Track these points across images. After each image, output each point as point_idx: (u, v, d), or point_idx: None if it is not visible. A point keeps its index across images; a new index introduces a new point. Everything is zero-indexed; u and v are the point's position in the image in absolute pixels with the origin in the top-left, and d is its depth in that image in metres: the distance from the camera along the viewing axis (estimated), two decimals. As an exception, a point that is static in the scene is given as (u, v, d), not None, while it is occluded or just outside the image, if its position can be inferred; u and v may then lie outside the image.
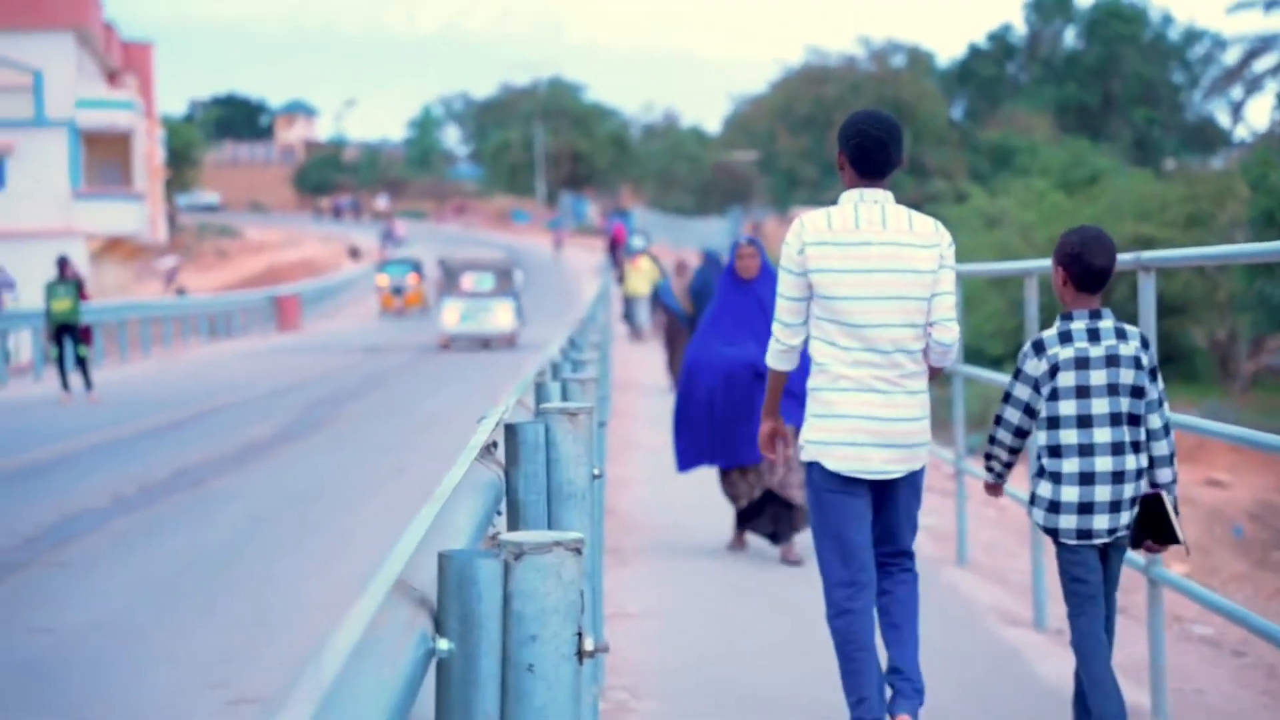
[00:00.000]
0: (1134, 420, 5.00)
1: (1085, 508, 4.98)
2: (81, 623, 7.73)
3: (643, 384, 21.45)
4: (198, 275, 61.71)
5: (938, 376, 5.30)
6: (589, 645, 2.71)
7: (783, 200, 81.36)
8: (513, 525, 4.21)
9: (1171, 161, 73.27)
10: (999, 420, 5.19)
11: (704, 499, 10.83)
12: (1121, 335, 5.04)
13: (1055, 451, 5.02)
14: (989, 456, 5.33)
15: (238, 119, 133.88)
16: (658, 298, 33.87)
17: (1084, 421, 4.98)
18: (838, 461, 5.06)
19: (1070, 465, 4.98)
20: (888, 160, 5.19)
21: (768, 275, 8.69)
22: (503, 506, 4.12)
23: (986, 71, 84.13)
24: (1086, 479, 4.97)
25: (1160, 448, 5.06)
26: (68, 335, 21.12)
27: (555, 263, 63.23)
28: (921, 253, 5.07)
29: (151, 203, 50.81)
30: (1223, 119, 70.57)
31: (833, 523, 5.11)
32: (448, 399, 19.86)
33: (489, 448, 4.08)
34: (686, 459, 9.11)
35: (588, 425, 4.29)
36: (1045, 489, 5.05)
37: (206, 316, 37.97)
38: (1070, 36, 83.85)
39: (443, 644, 2.57)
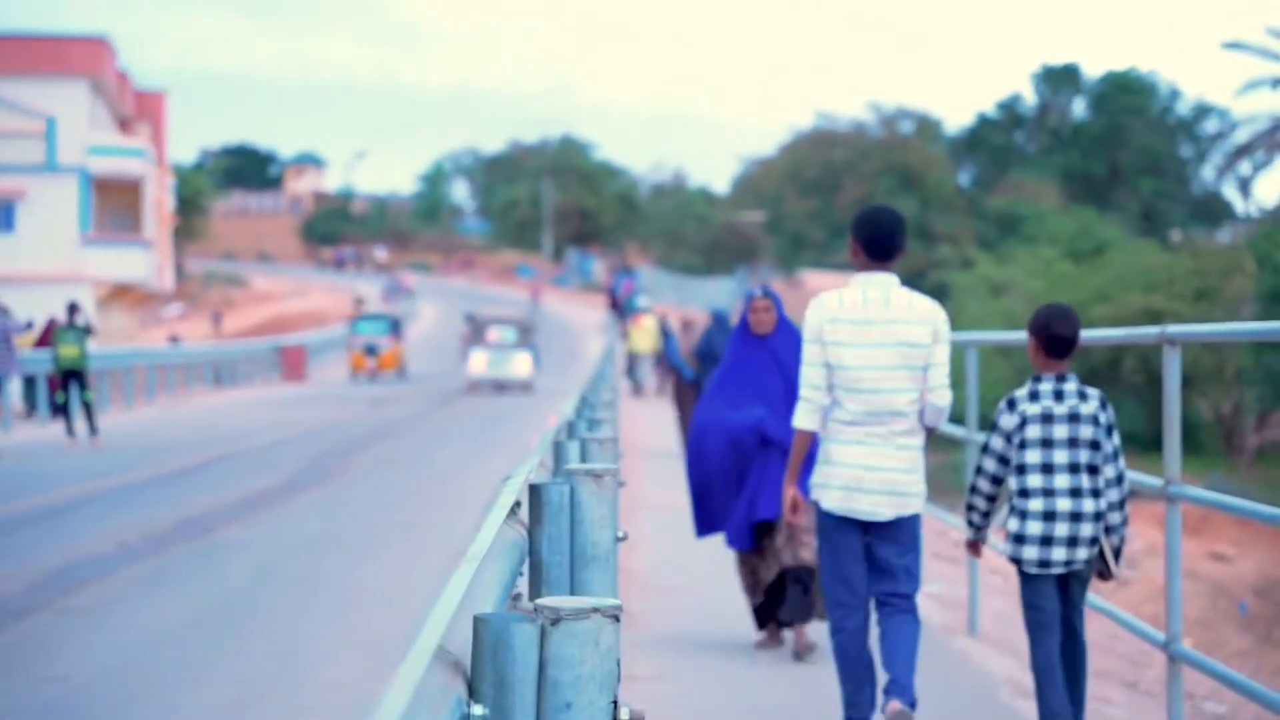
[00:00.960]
0: (1092, 470, 5.85)
1: (1045, 541, 5.85)
2: (93, 671, 7.69)
3: (648, 441, 21.40)
4: (204, 324, 61.79)
5: (933, 435, 6.18)
6: (624, 714, 2.68)
7: (790, 261, 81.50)
8: (535, 586, 4.18)
9: (1178, 233, 73.42)
10: (978, 470, 6.08)
11: (715, 558, 10.78)
12: (1083, 396, 5.93)
13: (1023, 493, 5.92)
14: (969, 508, 6.21)
15: (247, 168, 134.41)
16: (663, 358, 34.11)
17: (1047, 469, 5.88)
18: (833, 502, 6.02)
19: (1035, 504, 5.86)
20: (895, 247, 6.06)
21: (786, 330, 8.21)
22: (524, 567, 4.09)
23: (995, 140, 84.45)
24: (1048, 517, 5.84)
25: (1113, 494, 5.88)
26: (74, 381, 21.13)
27: (544, 315, 63.43)
28: (919, 329, 5.99)
29: (160, 250, 50.93)
30: (1230, 194, 70.76)
31: (831, 554, 6.09)
32: (456, 453, 19.82)
33: (513, 508, 4.06)
34: (705, 525, 8.49)
35: (612, 486, 4.27)
36: (1013, 524, 5.94)
37: (211, 365, 37.98)
38: (1079, 108, 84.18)
39: (477, 709, 2.54)
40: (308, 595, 9.96)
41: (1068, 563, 5.83)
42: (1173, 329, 5.90)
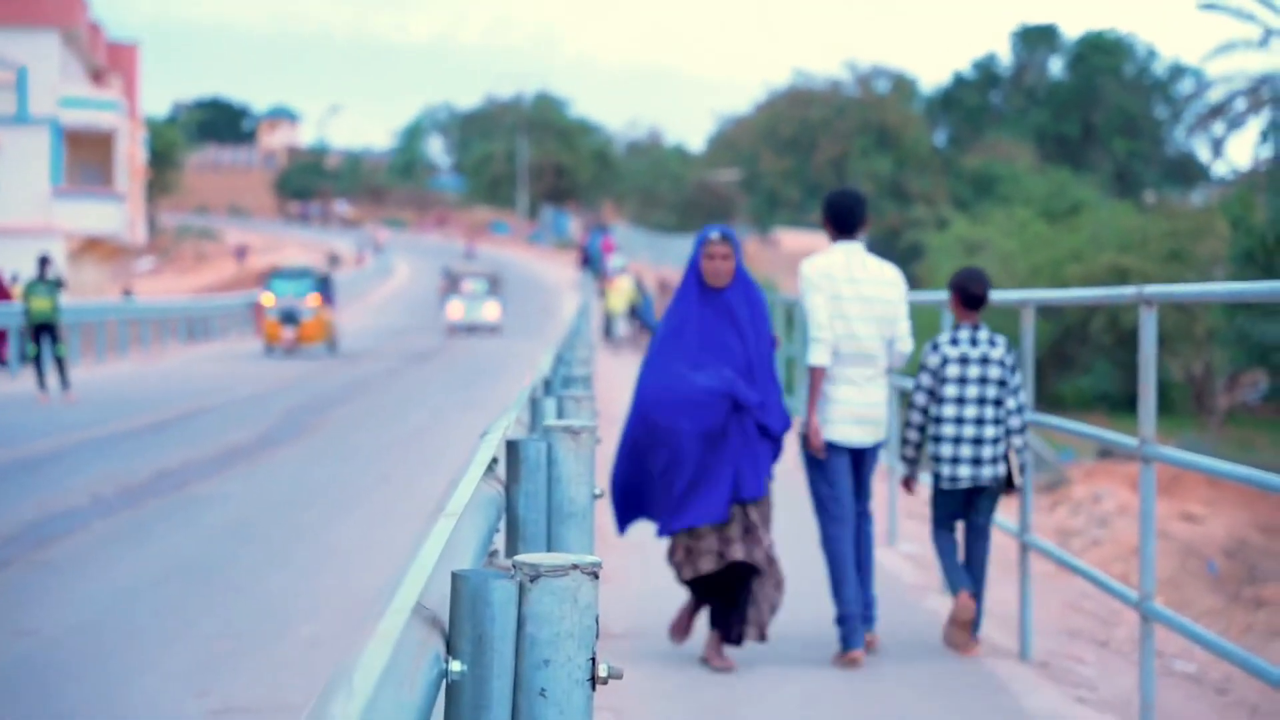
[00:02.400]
0: (997, 403, 7.14)
1: (954, 460, 7.17)
2: (66, 625, 7.68)
3: (624, 399, 21.40)
4: (176, 278, 61.54)
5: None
6: (603, 671, 2.68)
7: (765, 220, 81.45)
8: (512, 543, 4.18)
9: (1152, 194, 73.53)
10: (910, 405, 7.25)
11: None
12: (993, 343, 7.25)
13: (938, 421, 7.21)
14: (904, 442, 7.44)
15: (221, 122, 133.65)
16: (635, 314, 34.23)
17: (960, 401, 7.16)
18: (835, 434, 7.21)
19: (947, 430, 7.18)
20: (858, 222, 7.29)
21: (745, 284, 7.03)
22: (500, 524, 4.09)
23: (970, 99, 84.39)
24: (957, 441, 7.16)
25: (1014, 421, 7.21)
26: (46, 335, 21.03)
27: (479, 262, 64.10)
28: (890, 289, 7.26)
29: (132, 204, 50.64)
30: (1204, 155, 70.86)
31: (827, 478, 7.22)
32: (431, 408, 19.81)
33: (490, 464, 4.05)
34: (628, 513, 7.12)
35: (589, 443, 4.26)
36: (930, 448, 7.23)
37: (185, 320, 37.83)
38: (1055, 68, 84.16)
39: (455, 665, 2.53)
40: (283, 550, 9.96)
41: (974, 478, 7.15)
42: (1150, 289, 5.91)
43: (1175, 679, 7.89)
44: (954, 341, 7.26)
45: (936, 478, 7.27)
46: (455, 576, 2.58)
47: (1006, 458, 7.19)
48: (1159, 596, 12.89)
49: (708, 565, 6.82)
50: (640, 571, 9.26)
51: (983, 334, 7.25)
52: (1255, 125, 40.96)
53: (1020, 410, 7.23)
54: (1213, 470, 5.55)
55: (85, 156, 46.17)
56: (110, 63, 51.18)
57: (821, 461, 7.18)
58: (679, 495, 6.82)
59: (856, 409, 7.16)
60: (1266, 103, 38.62)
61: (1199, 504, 23.67)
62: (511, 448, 4.14)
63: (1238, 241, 34.58)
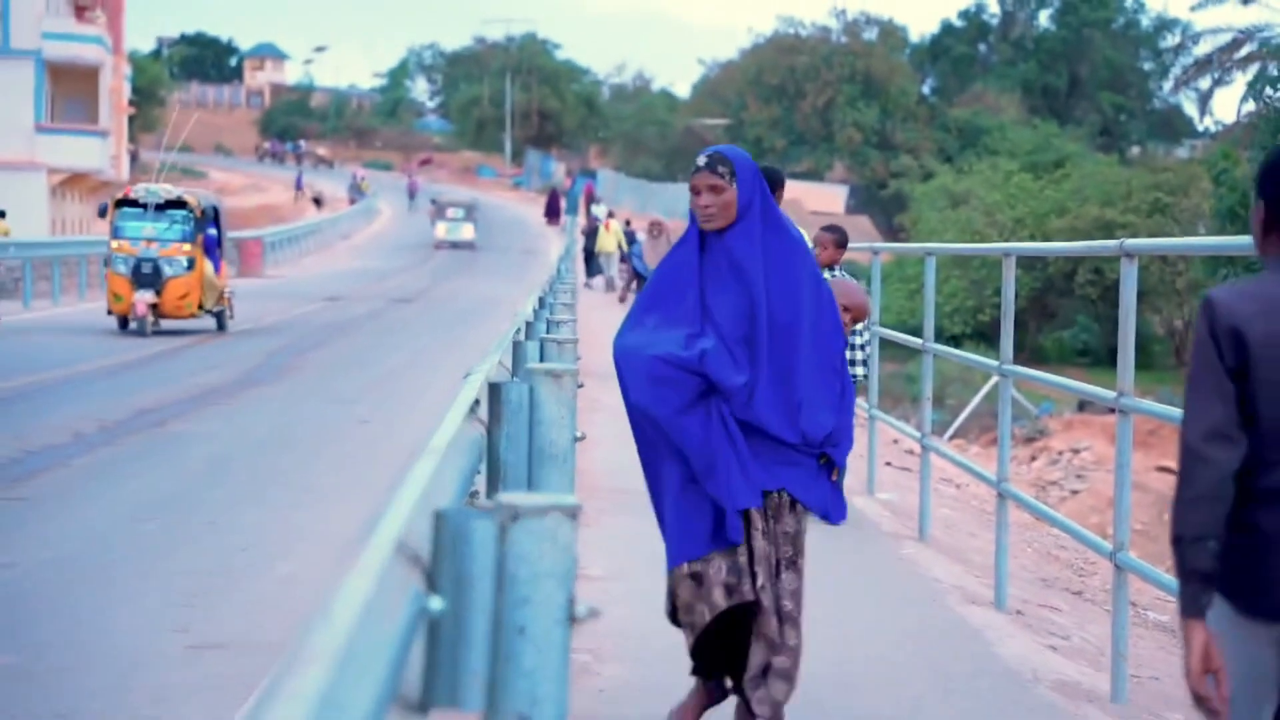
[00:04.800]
0: None
1: None
2: (44, 559, 7.70)
3: (606, 342, 21.44)
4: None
5: None
6: (581, 611, 2.71)
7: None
8: (493, 485, 4.20)
9: (1137, 149, 73.53)
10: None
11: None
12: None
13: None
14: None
15: (206, 59, 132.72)
16: (625, 259, 34.32)
17: None
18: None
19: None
20: (774, 191, 7.26)
21: (759, 225, 5.01)
22: (482, 465, 4.11)
23: (958, 49, 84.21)
24: None
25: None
26: None
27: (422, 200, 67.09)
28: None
29: (115, 139, 50.39)
30: (1190, 109, 70.82)
31: None
32: (411, 350, 19.81)
33: (473, 406, 4.07)
34: (679, 541, 4.96)
35: (571, 387, 4.28)
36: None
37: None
38: (1043, 19, 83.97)
39: (435, 602, 2.56)
40: (262, 489, 9.98)
41: None
42: (1131, 243, 5.93)
43: (1147, 629, 7.96)
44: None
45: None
46: (437, 515, 2.60)
47: None
48: (1134, 548, 13.00)
49: (705, 616, 4.89)
50: (620, 516, 9.30)
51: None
52: (1242, 80, 40.94)
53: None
54: (1168, 417, 5.60)
55: (69, 91, 45.85)
56: (94, -3, 50.77)
57: None
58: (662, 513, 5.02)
59: None
60: (1255, 58, 38.58)
61: (1175, 458, 23.81)
62: (494, 390, 4.15)
63: (1221, 197, 34.63)
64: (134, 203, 21.74)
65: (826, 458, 4.94)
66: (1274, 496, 3.19)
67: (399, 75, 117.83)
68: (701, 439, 4.87)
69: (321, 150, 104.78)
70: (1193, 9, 46.98)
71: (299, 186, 71.63)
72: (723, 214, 4.97)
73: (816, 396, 4.92)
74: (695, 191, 5.02)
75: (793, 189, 73.48)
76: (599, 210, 44.43)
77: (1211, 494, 3.17)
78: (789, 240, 5.07)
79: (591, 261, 36.95)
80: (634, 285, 18.50)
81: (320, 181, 78.66)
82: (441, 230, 52.36)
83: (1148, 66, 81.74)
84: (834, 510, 4.99)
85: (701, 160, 5.05)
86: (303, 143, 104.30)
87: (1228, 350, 3.18)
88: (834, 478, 4.99)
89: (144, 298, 20.80)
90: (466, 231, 52.28)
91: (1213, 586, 3.17)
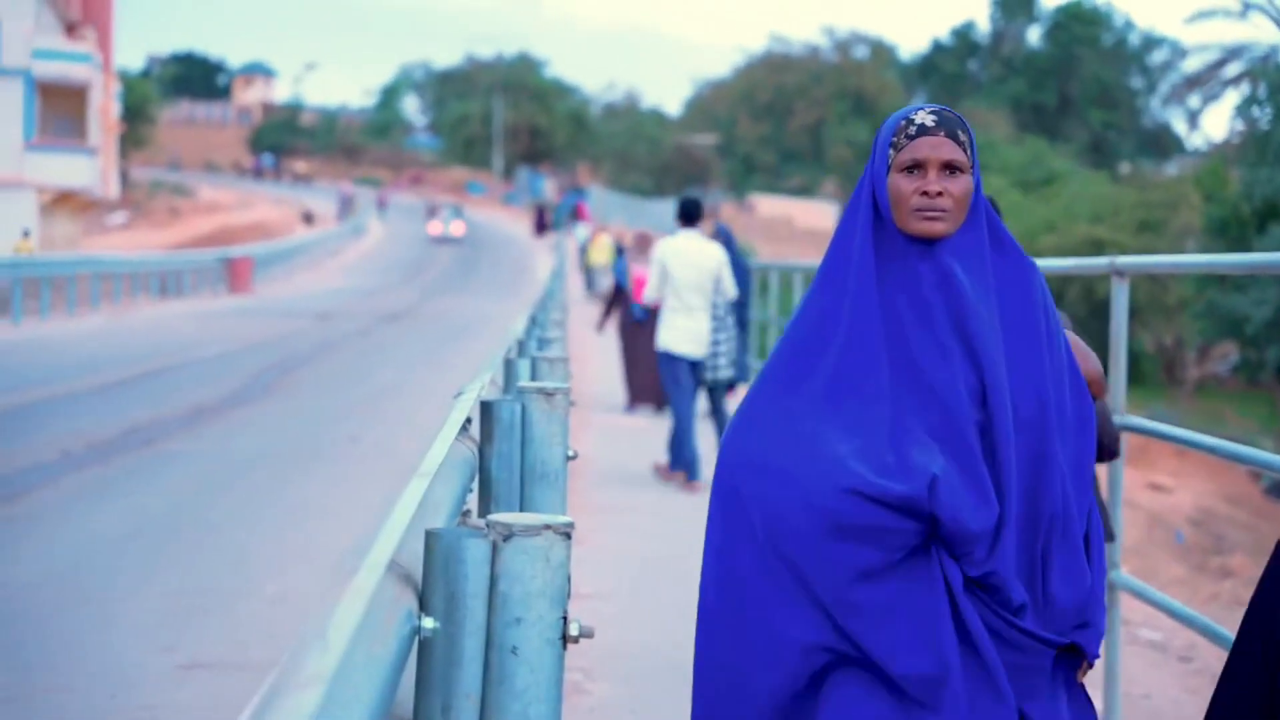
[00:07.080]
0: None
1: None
2: (32, 577, 7.66)
3: (598, 361, 21.42)
4: (149, 233, 61.25)
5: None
6: (574, 630, 2.70)
7: (740, 185, 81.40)
8: (485, 504, 4.19)
9: (1127, 165, 73.68)
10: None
11: (662, 479, 10.80)
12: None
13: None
14: None
15: (195, 77, 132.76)
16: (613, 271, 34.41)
17: None
18: (678, 348, 11.18)
19: None
20: (698, 217, 11.41)
21: (985, 238, 2.92)
22: (473, 484, 4.10)
23: (948, 67, 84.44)
24: None
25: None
26: None
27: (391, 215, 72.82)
28: (710, 260, 11.27)
29: (105, 158, 50.36)
30: (1179, 126, 71.02)
31: (676, 383, 11.22)
32: (401, 368, 19.78)
33: (464, 425, 4.05)
34: None
35: (563, 405, 4.27)
36: None
37: (157, 275, 37.66)
38: (1033, 36, 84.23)
39: (427, 622, 2.55)
40: (251, 509, 9.95)
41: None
42: (1121, 260, 5.93)
43: (1140, 647, 7.95)
44: None
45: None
46: (429, 534, 2.59)
47: None
48: (1125, 565, 12.98)
49: None
50: (611, 534, 9.29)
51: None
52: (1231, 98, 41.11)
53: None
54: (1180, 440, 5.59)
55: (58, 110, 45.82)
56: (84, 15, 50.76)
57: (671, 364, 11.21)
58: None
59: (690, 333, 11.16)
60: (1243, 77, 38.74)
61: (1167, 475, 23.82)
62: (485, 408, 4.14)
63: (1211, 213, 34.71)
64: None
65: (1073, 648, 2.89)
66: None
67: (392, 94, 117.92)
68: (915, 634, 2.77)
69: (300, 165, 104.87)
70: (1186, 21, 47.03)
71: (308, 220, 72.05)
72: (957, 212, 2.88)
73: (1065, 541, 2.87)
74: (909, 169, 2.87)
75: (784, 205, 73.52)
76: (580, 232, 44.97)
77: None
78: (1023, 269, 2.96)
79: (589, 274, 38.65)
80: (614, 308, 17.02)
81: (309, 199, 78.63)
82: (435, 228, 62.51)
83: (1137, 84, 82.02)
84: None
85: (928, 118, 2.89)
86: (272, 156, 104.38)
87: None
88: (1080, 677, 2.95)
89: None
90: (457, 228, 61.98)
91: None
